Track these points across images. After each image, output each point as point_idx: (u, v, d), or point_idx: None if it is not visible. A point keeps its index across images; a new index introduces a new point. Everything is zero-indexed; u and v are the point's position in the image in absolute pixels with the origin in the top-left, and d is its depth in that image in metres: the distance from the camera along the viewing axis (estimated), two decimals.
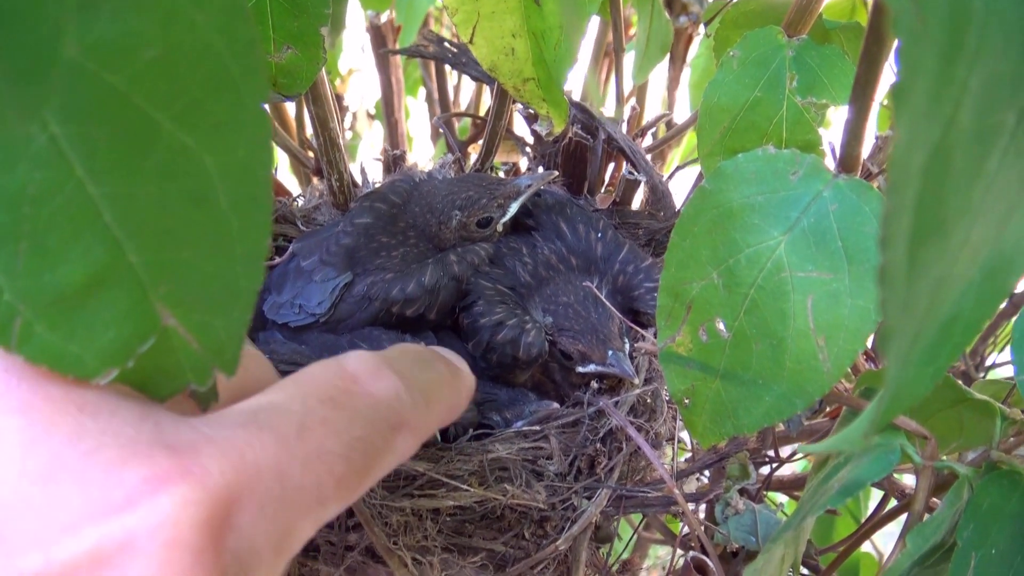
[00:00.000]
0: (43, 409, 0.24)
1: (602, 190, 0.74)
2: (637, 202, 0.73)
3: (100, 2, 0.20)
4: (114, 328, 0.24)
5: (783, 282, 0.42)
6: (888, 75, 0.40)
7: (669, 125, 0.90)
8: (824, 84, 0.49)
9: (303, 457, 0.27)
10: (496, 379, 0.62)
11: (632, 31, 0.99)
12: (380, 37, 0.98)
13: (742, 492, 0.60)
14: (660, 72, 0.95)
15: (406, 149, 0.84)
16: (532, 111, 0.69)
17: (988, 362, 0.87)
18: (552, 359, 0.60)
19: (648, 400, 0.57)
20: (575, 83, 1.01)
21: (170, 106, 0.22)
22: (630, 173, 0.69)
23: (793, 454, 0.64)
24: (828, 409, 0.68)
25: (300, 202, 0.72)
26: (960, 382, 0.42)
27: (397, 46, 0.96)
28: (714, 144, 0.52)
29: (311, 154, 0.76)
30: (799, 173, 0.42)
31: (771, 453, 0.64)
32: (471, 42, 0.51)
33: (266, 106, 0.24)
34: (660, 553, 1.19)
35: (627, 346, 0.59)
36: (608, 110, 0.74)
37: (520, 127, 0.83)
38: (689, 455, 0.65)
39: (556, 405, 0.57)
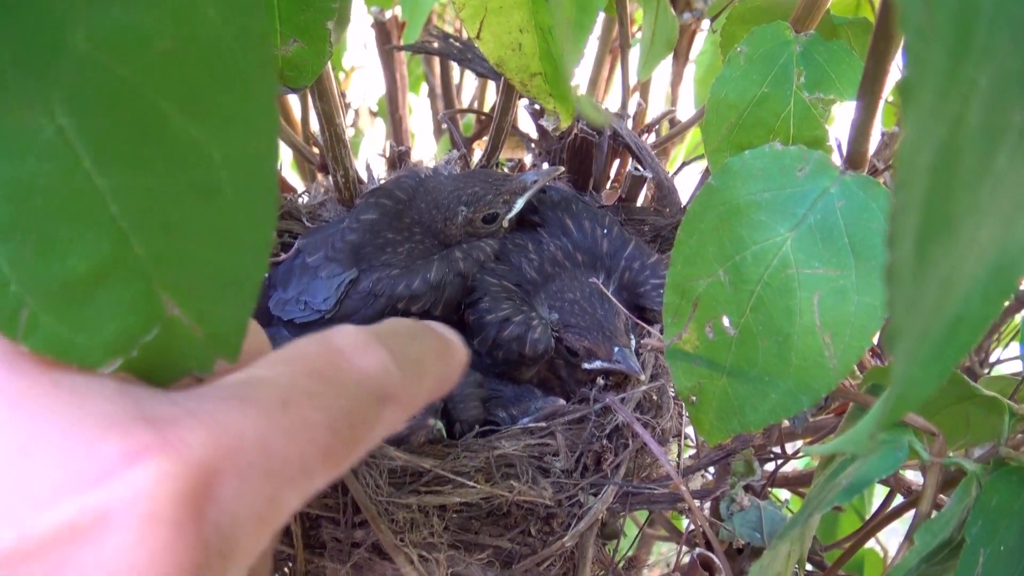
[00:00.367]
0: (18, 389, 0.24)
1: (608, 186, 0.74)
2: (643, 198, 0.73)
3: None
4: (119, 318, 0.24)
5: (789, 279, 0.42)
6: (895, 72, 0.40)
7: (673, 122, 0.90)
8: (832, 80, 0.49)
9: (287, 428, 0.26)
10: (502, 376, 0.62)
11: (636, 28, 0.98)
12: (384, 33, 0.97)
13: (747, 489, 0.60)
14: (664, 68, 0.95)
15: (410, 145, 0.84)
16: (538, 106, 0.69)
17: (992, 358, 0.86)
18: (558, 355, 0.60)
19: (654, 397, 0.57)
20: (582, 80, 1.01)
21: (179, 99, 0.22)
22: (636, 169, 0.68)
23: (798, 451, 0.64)
24: (834, 406, 0.68)
25: (305, 198, 0.72)
26: (966, 378, 0.42)
27: (401, 42, 0.96)
28: (721, 140, 0.52)
29: (316, 150, 0.76)
30: (806, 169, 0.42)
31: (776, 449, 0.64)
32: (478, 37, 0.51)
33: (276, 101, 0.24)
34: (663, 550, 1.19)
35: (633, 342, 0.59)
36: (613, 106, 0.74)
37: (526, 123, 0.83)
38: (694, 452, 0.65)
39: (562, 401, 0.57)
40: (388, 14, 0.95)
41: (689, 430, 0.64)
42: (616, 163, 0.74)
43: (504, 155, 0.78)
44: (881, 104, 0.42)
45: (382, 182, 0.70)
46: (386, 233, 0.61)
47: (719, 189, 0.43)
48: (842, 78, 0.49)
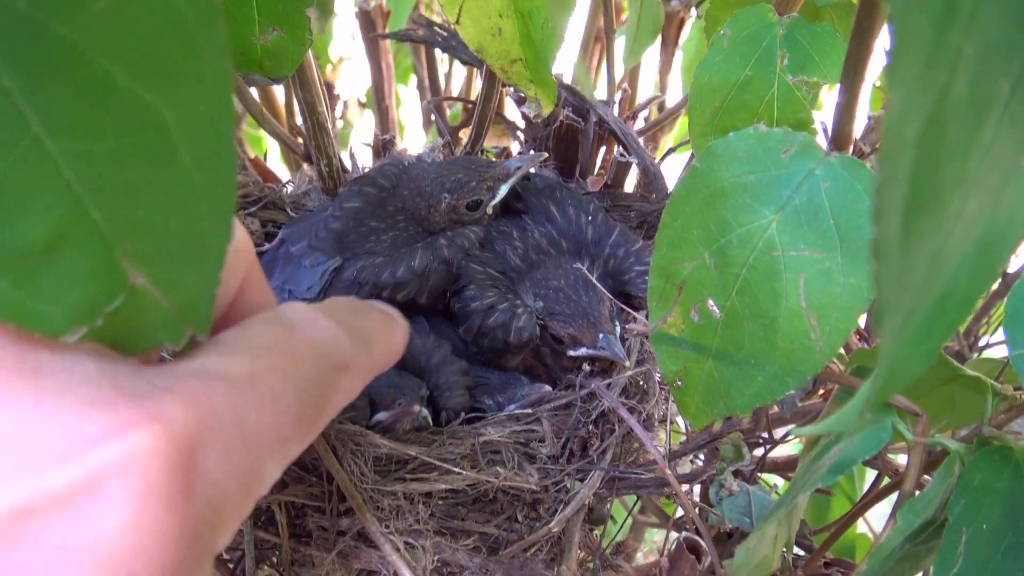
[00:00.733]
0: (2, 378, 0.24)
1: (594, 173, 0.74)
2: (629, 185, 0.73)
3: None
4: (80, 285, 0.23)
5: (775, 261, 0.41)
6: (880, 55, 0.40)
7: (661, 108, 0.90)
8: (815, 62, 0.49)
9: (256, 400, 0.27)
10: (488, 363, 0.62)
11: (623, 15, 0.98)
12: (369, 22, 0.97)
13: (736, 474, 0.60)
14: (652, 57, 0.95)
15: (396, 134, 0.83)
16: (522, 94, 0.69)
17: (981, 343, 0.87)
18: (543, 343, 0.60)
19: (640, 382, 0.57)
20: (565, 67, 1.01)
21: (124, 59, 0.21)
22: (621, 155, 0.68)
23: (787, 435, 0.64)
24: (821, 391, 0.68)
25: (289, 188, 0.71)
26: (951, 359, 0.42)
27: (386, 31, 0.96)
28: (705, 124, 0.52)
29: (300, 140, 0.75)
30: (791, 151, 0.42)
31: (765, 435, 0.64)
32: (457, 23, 0.51)
33: (242, 86, 0.23)
34: (656, 539, 1.19)
35: (618, 329, 0.58)
36: (600, 94, 0.74)
37: (512, 111, 0.83)
38: (684, 439, 0.65)
39: (548, 388, 0.57)
40: (373, 3, 0.95)
41: (678, 418, 0.64)
42: (602, 150, 0.74)
43: (490, 143, 0.78)
44: (867, 88, 0.42)
45: (366, 170, 0.69)
46: (370, 221, 0.61)
47: (704, 172, 0.43)
48: (826, 60, 0.49)
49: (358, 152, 0.72)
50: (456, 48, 0.76)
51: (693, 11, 0.91)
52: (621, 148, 0.69)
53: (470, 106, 0.88)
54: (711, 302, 0.43)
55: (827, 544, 0.52)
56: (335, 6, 1.01)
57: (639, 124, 0.81)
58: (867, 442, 0.37)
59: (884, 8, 0.38)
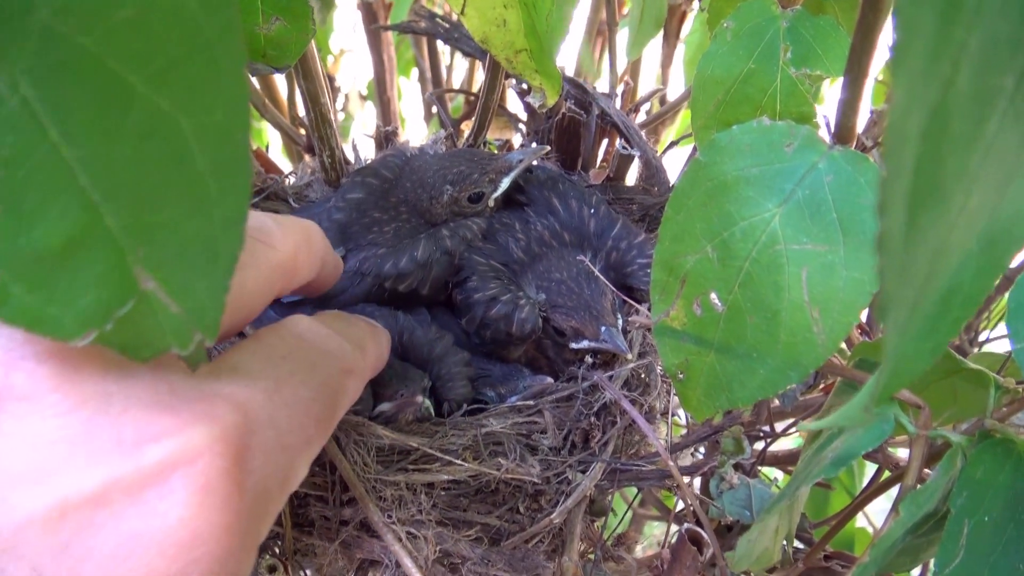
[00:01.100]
0: (71, 380, 0.26)
1: (596, 166, 0.74)
2: (631, 178, 0.73)
3: None
4: (92, 290, 0.24)
5: (778, 255, 0.41)
6: (883, 49, 0.40)
7: (662, 101, 0.90)
8: (818, 55, 0.49)
9: (283, 405, 0.30)
10: (490, 355, 0.62)
11: (626, 9, 0.98)
12: (371, 14, 0.97)
13: (737, 467, 0.60)
14: (654, 50, 0.94)
15: (398, 126, 0.83)
16: (525, 85, 0.69)
17: (982, 338, 0.87)
18: (545, 335, 0.60)
19: (642, 375, 0.57)
20: (568, 59, 1.01)
21: (144, 68, 0.21)
22: (624, 148, 0.68)
23: (788, 429, 0.65)
24: (823, 384, 0.68)
25: (292, 179, 0.71)
26: (953, 352, 0.42)
27: (388, 23, 0.96)
28: (708, 117, 0.52)
29: (303, 131, 0.75)
30: (794, 145, 0.42)
31: (766, 428, 0.64)
32: (462, 13, 0.51)
33: (245, 70, 0.24)
34: (655, 532, 1.20)
35: (620, 321, 0.59)
36: (602, 87, 0.74)
37: (514, 104, 0.83)
38: (685, 433, 0.65)
39: (550, 380, 0.57)
40: None
41: (679, 411, 0.64)
42: (604, 143, 0.74)
43: (492, 135, 0.78)
44: (871, 82, 0.42)
45: (368, 162, 0.69)
46: (372, 212, 0.61)
47: (707, 165, 0.43)
48: (829, 54, 0.49)
49: (360, 144, 0.73)
50: (458, 40, 0.76)
51: (696, 4, 0.91)
52: (623, 141, 0.69)
53: (472, 98, 0.88)
54: (713, 295, 0.43)
55: (827, 537, 0.52)
56: None
57: (641, 117, 0.81)
58: (869, 435, 0.37)
59: (888, 1, 0.38)
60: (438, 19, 0.77)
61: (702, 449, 0.67)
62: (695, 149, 0.65)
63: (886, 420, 0.37)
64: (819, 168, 0.41)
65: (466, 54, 0.79)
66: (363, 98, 1.43)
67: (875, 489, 0.49)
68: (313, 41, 0.56)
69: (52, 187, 0.22)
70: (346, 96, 1.40)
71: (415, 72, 1.21)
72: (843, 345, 0.55)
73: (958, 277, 0.27)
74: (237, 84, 0.23)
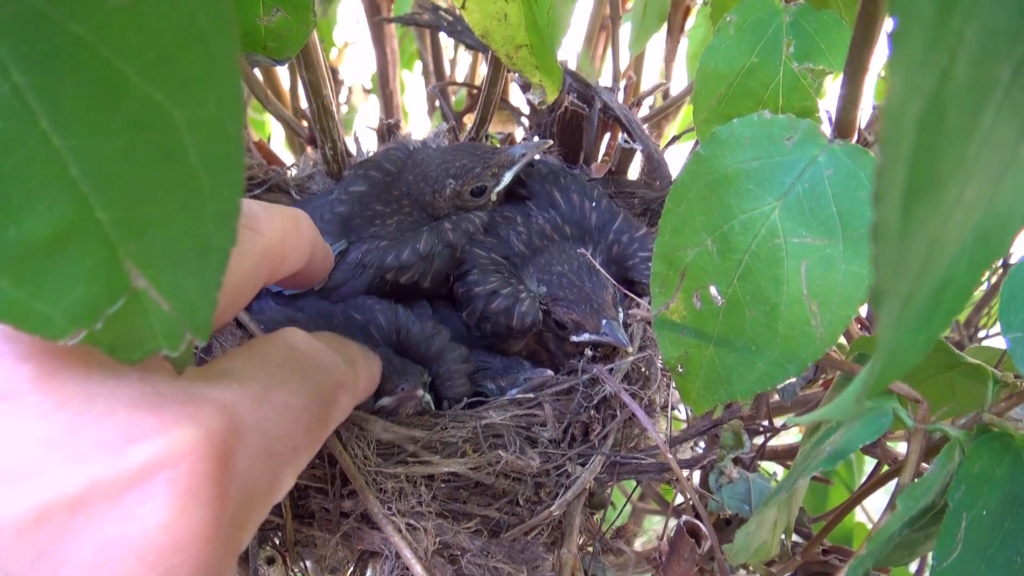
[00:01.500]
0: (54, 380, 0.26)
1: (598, 159, 0.74)
2: (633, 172, 0.73)
3: None
4: (82, 286, 0.23)
5: (777, 248, 0.42)
6: (885, 44, 0.40)
7: (665, 96, 0.90)
8: (821, 49, 0.49)
9: (273, 412, 0.30)
10: (490, 348, 0.62)
11: (629, 3, 0.98)
12: (375, 6, 0.97)
13: (736, 461, 0.60)
14: (657, 45, 0.94)
15: (400, 119, 0.83)
16: (526, 80, 0.69)
17: (981, 335, 0.87)
18: (546, 328, 0.60)
19: (642, 368, 0.57)
20: (570, 54, 1.01)
21: (137, 58, 0.21)
22: (626, 142, 0.68)
23: (787, 423, 0.65)
24: (822, 379, 0.68)
25: (294, 171, 0.71)
26: (952, 347, 0.42)
27: (391, 15, 0.96)
28: (710, 111, 0.52)
29: (305, 123, 0.75)
30: (794, 138, 0.42)
31: (765, 423, 0.64)
32: (463, 7, 0.51)
33: (247, 70, 0.23)
34: (655, 527, 1.20)
35: (621, 315, 0.59)
36: (604, 81, 0.74)
37: (516, 98, 0.83)
38: (685, 427, 0.65)
39: (550, 373, 0.57)
40: None
41: (680, 405, 0.64)
42: (606, 136, 0.74)
43: (494, 129, 0.78)
44: (873, 78, 0.42)
45: (371, 155, 0.69)
46: (375, 205, 0.61)
47: (707, 158, 0.43)
48: (832, 48, 0.49)
49: (363, 136, 0.73)
50: (461, 33, 0.76)
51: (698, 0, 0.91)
52: (625, 135, 0.69)
53: (475, 92, 0.88)
54: (713, 288, 0.43)
55: (825, 530, 0.52)
56: None
57: (643, 112, 0.80)
58: (868, 428, 0.37)
59: None
60: (441, 12, 0.77)
61: (702, 444, 0.67)
62: (697, 143, 0.65)
63: (884, 414, 0.37)
64: (819, 162, 0.41)
65: (469, 47, 0.79)
66: (366, 91, 1.43)
67: (873, 483, 0.49)
68: (316, 32, 0.56)
69: (42, 177, 0.21)
70: (349, 89, 1.40)
71: (418, 65, 1.21)
72: (843, 340, 0.55)
73: (952, 269, 0.27)
74: (230, 76, 0.22)
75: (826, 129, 0.43)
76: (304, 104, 0.67)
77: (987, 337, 0.85)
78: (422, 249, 0.58)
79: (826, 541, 0.55)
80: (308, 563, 0.57)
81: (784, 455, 0.75)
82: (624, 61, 0.84)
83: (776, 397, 0.69)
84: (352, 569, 0.55)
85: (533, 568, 0.51)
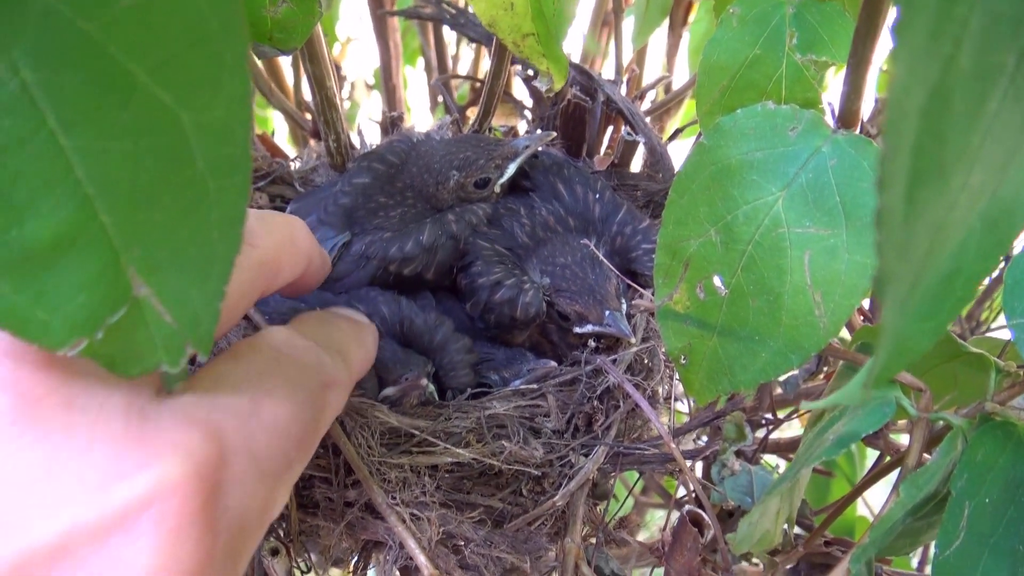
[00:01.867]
0: (32, 412, 0.24)
1: (601, 152, 0.74)
2: (636, 164, 0.73)
3: None
4: (83, 293, 0.22)
5: (780, 238, 0.42)
6: (888, 35, 0.40)
7: (667, 89, 0.90)
8: (824, 41, 0.49)
9: (263, 429, 0.28)
10: (494, 339, 0.62)
11: None
12: (377, 0, 0.97)
13: (739, 454, 0.60)
14: (660, 39, 0.94)
15: (403, 111, 0.84)
16: (531, 71, 0.69)
17: (983, 329, 0.87)
18: (550, 320, 0.60)
19: (645, 359, 0.57)
20: (573, 47, 1.01)
21: (146, 59, 0.21)
22: (628, 134, 0.68)
23: (791, 414, 0.65)
24: (825, 372, 0.68)
25: (297, 164, 0.71)
26: (955, 336, 0.42)
27: (394, 8, 0.96)
28: (713, 103, 0.52)
29: (308, 116, 0.76)
30: (798, 129, 0.42)
31: (768, 415, 0.65)
32: None
33: (252, 64, 0.23)
34: (658, 521, 1.20)
35: (624, 306, 0.59)
36: (607, 74, 0.74)
37: (519, 91, 0.83)
38: (688, 420, 0.65)
39: (554, 364, 0.57)
40: None
41: (679, 388, 0.64)
42: (609, 129, 0.74)
43: (498, 122, 0.78)
44: (876, 70, 0.42)
45: (374, 147, 0.69)
46: (378, 197, 0.61)
47: (711, 148, 0.43)
48: (835, 40, 0.49)
49: (366, 129, 0.73)
50: (464, 26, 0.76)
51: None
52: (628, 127, 0.69)
53: (478, 85, 0.88)
54: (716, 279, 0.43)
55: (828, 521, 0.52)
56: None
57: (646, 106, 0.81)
58: (871, 417, 0.38)
59: None
60: (444, 5, 0.77)
61: (705, 437, 0.67)
62: (700, 135, 0.65)
63: (887, 402, 0.37)
64: (823, 152, 0.41)
65: (472, 40, 0.79)
66: (369, 87, 1.43)
67: (876, 473, 0.49)
68: (319, 25, 0.56)
69: (47, 177, 0.21)
70: (352, 85, 1.40)
71: (421, 62, 1.21)
72: (846, 332, 0.55)
73: (960, 258, 0.27)
74: (240, 80, 0.22)
75: (829, 120, 0.44)
76: (308, 97, 0.67)
77: (989, 331, 0.85)
78: (425, 241, 0.58)
79: (828, 533, 0.56)
80: (312, 554, 0.58)
81: (786, 448, 0.75)
82: (627, 55, 0.84)
83: (779, 390, 0.69)
84: (356, 559, 0.55)
85: (536, 558, 0.52)
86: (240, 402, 0.28)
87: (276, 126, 1.23)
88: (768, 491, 0.47)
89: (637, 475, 0.69)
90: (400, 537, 0.48)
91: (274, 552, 0.55)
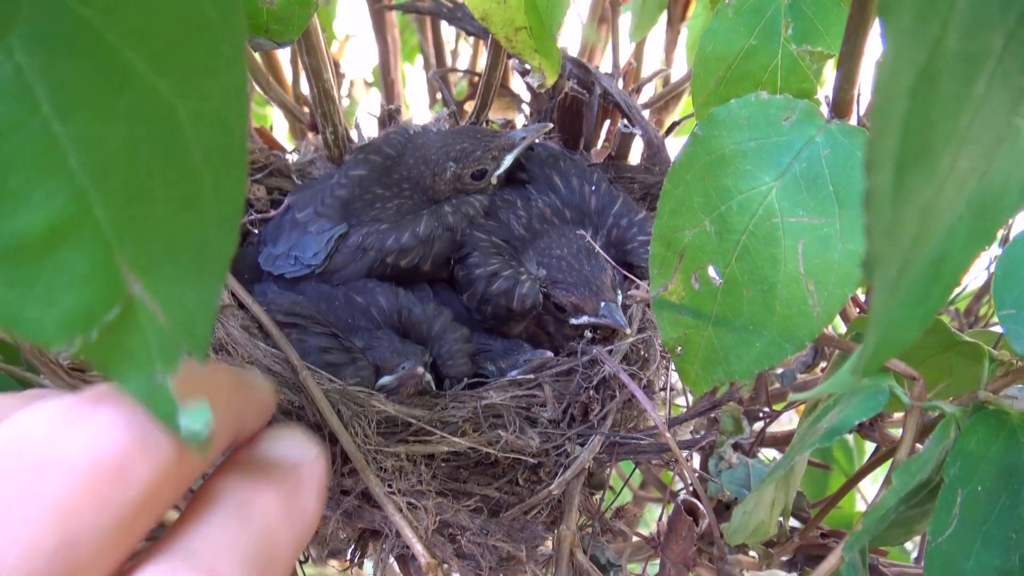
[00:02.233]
0: None
1: (598, 144, 0.74)
2: (633, 157, 0.73)
3: None
4: (77, 290, 0.22)
5: (774, 228, 0.42)
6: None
7: (665, 83, 0.90)
8: (819, 32, 0.49)
9: None
10: (491, 330, 0.62)
11: None
12: None
13: (736, 447, 0.60)
14: (658, 35, 0.94)
15: (401, 105, 0.84)
16: (526, 65, 0.69)
17: (982, 324, 0.87)
18: (546, 311, 0.61)
19: (641, 350, 0.58)
20: (570, 39, 1.01)
21: (144, 47, 0.20)
22: (625, 127, 0.68)
23: (788, 406, 0.65)
24: (821, 366, 0.68)
25: (295, 156, 0.72)
26: (949, 326, 0.42)
27: (393, 2, 0.96)
28: (709, 94, 0.52)
29: (306, 109, 0.76)
30: (792, 119, 0.42)
31: (765, 408, 0.65)
32: None
33: (249, 58, 0.23)
34: (656, 515, 1.20)
35: (620, 297, 0.59)
36: (605, 67, 0.74)
37: (517, 84, 0.83)
38: (684, 411, 0.65)
39: (550, 354, 0.57)
40: None
41: (677, 384, 0.64)
42: (607, 122, 0.74)
43: (495, 115, 0.78)
44: (870, 62, 0.42)
45: (372, 139, 0.69)
46: (375, 189, 0.61)
47: (705, 139, 0.43)
48: (830, 30, 0.49)
49: (363, 122, 0.73)
50: (461, 20, 0.76)
51: None
52: (625, 120, 0.70)
53: (475, 79, 0.88)
54: (711, 269, 0.44)
55: (823, 512, 0.52)
56: None
57: (644, 99, 0.81)
58: (864, 405, 0.38)
59: None
60: None
61: (701, 431, 0.67)
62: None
63: (880, 391, 0.38)
64: (816, 142, 0.41)
65: (469, 33, 0.79)
66: (368, 85, 1.43)
67: (871, 463, 0.49)
68: (316, 17, 0.56)
69: (40, 165, 0.20)
70: (351, 82, 1.40)
71: (419, 60, 1.21)
72: (841, 322, 0.55)
73: (948, 243, 0.27)
74: (236, 71, 0.21)
75: (824, 110, 0.44)
76: (305, 90, 0.67)
77: (988, 327, 0.85)
78: (422, 232, 0.58)
79: (825, 526, 0.56)
80: (311, 547, 0.58)
81: (783, 441, 0.75)
82: (624, 51, 0.84)
83: (776, 384, 0.69)
84: (352, 549, 0.55)
85: (532, 546, 0.52)
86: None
87: (275, 123, 1.23)
88: (763, 480, 0.47)
89: (633, 466, 0.70)
90: (397, 526, 0.48)
91: None
